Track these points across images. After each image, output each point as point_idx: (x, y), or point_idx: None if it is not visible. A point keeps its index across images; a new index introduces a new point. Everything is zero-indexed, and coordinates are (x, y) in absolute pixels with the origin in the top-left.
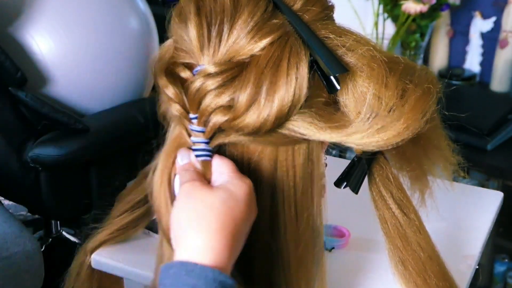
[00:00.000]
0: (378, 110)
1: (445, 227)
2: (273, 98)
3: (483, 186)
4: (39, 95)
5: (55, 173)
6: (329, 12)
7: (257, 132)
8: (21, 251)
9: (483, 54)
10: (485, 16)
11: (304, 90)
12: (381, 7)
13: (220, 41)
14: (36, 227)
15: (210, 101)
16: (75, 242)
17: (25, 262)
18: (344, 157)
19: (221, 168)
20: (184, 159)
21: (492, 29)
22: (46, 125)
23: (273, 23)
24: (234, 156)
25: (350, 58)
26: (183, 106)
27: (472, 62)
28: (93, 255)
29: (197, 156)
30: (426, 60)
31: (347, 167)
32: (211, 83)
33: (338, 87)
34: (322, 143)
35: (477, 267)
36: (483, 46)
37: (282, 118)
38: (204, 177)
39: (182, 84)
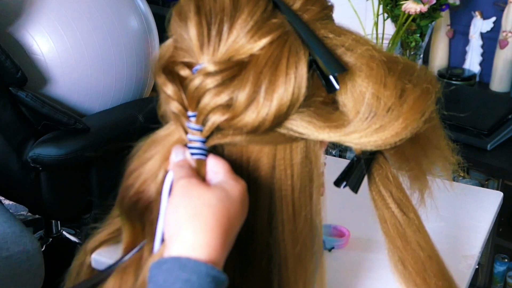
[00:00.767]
0: (376, 109)
1: (445, 227)
2: (272, 97)
3: (483, 186)
4: (40, 95)
5: (55, 173)
6: (328, 11)
7: (255, 131)
8: (21, 251)
9: (483, 54)
10: (485, 16)
11: (303, 89)
12: (381, 7)
13: (219, 40)
14: (37, 227)
15: (209, 99)
16: (75, 242)
17: (25, 262)
18: (344, 157)
19: (216, 168)
20: (179, 155)
21: (492, 29)
22: (46, 125)
23: (272, 23)
24: (232, 155)
25: (349, 58)
26: (181, 103)
27: (472, 62)
28: (93, 255)
29: (192, 154)
30: (426, 60)
31: (346, 167)
32: (211, 82)
33: (337, 87)
34: (321, 142)
35: (477, 266)
36: (483, 46)
37: (280, 117)
38: (198, 175)
39: (181, 83)
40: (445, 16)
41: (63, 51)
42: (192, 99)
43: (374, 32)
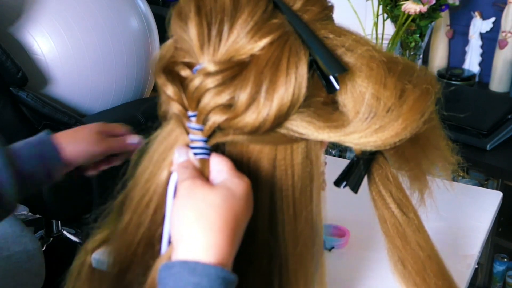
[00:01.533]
0: (376, 110)
1: (444, 227)
2: (273, 97)
3: (482, 186)
4: (40, 95)
5: None
6: (328, 12)
7: (256, 131)
8: (22, 251)
9: (483, 55)
10: (484, 17)
11: (303, 90)
12: (381, 7)
13: (220, 40)
14: (37, 226)
15: (209, 99)
16: (75, 241)
17: (26, 261)
18: (344, 157)
19: (219, 166)
20: (182, 156)
21: (492, 30)
22: (47, 125)
23: (272, 23)
24: (233, 155)
25: (349, 58)
26: (181, 104)
27: (472, 63)
28: (93, 255)
29: (195, 154)
30: (425, 60)
31: (346, 167)
32: (211, 82)
33: (337, 87)
34: (321, 142)
35: (476, 266)
36: (483, 46)
37: (281, 118)
38: (202, 175)
39: (181, 83)
40: (444, 17)
41: (64, 51)
42: (192, 99)
43: (374, 32)
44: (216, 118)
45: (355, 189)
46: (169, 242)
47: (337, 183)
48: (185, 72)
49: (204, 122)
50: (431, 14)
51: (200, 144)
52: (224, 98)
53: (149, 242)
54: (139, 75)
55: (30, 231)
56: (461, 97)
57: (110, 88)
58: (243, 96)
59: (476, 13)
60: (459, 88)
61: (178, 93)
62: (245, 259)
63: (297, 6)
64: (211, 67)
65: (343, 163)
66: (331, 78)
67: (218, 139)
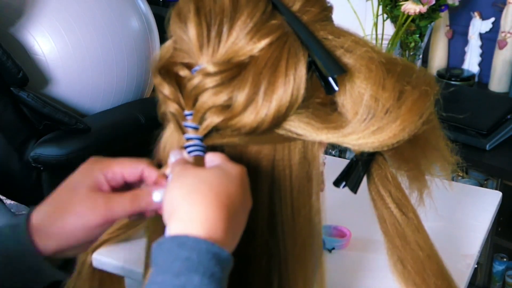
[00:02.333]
0: (375, 111)
1: (444, 227)
2: (271, 98)
3: (482, 185)
4: (41, 95)
5: (56, 173)
6: (328, 13)
7: (254, 131)
8: None
9: (482, 55)
10: (484, 17)
11: (302, 91)
12: (381, 7)
13: (219, 41)
14: None
15: (207, 98)
16: None
17: None
18: (343, 157)
19: (213, 158)
20: (176, 156)
21: (491, 30)
22: (47, 125)
23: (272, 24)
24: (231, 156)
25: (348, 59)
26: (178, 103)
27: (471, 63)
28: (94, 255)
29: (189, 152)
30: (425, 61)
31: (345, 167)
32: (210, 81)
33: (336, 88)
34: (319, 142)
35: (476, 266)
36: (482, 46)
37: (279, 118)
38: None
39: (179, 83)
40: (444, 17)
41: (64, 51)
42: (189, 98)
43: (374, 32)
44: (213, 119)
45: (354, 189)
46: None
47: (336, 183)
48: (183, 72)
49: (200, 121)
50: (431, 14)
51: (195, 142)
52: (222, 98)
53: None
54: (139, 75)
55: None
56: (460, 97)
57: (111, 88)
58: (241, 97)
59: (476, 14)
60: (459, 88)
61: (174, 92)
62: (244, 259)
63: (296, 7)
64: (211, 68)
65: (342, 163)
66: (330, 79)
67: (215, 140)
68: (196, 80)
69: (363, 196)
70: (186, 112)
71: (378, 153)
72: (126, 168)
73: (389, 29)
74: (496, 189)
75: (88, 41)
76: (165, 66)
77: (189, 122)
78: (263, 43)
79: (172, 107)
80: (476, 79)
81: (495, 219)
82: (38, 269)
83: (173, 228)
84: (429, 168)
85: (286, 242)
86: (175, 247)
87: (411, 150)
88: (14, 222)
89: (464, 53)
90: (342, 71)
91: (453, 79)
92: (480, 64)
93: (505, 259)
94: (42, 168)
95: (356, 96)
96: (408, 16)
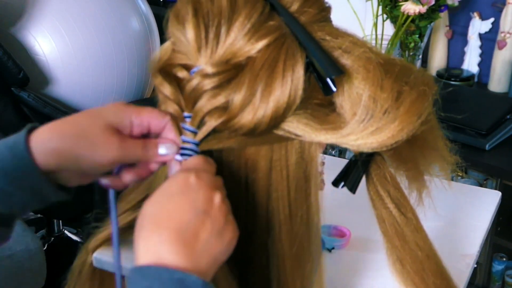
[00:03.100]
0: (373, 111)
1: (443, 226)
2: (268, 99)
3: (481, 185)
4: (41, 95)
5: None
6: (326, 13)
7: (252, 132)
8: (23, 250)
9: (482, 55)
10: (483, 17)
11: (300, 92)
12: (381, 8)
13: (217, 42)
14: (39, 226)
15: (205, 102)
16: (77, 241)
17: (27, 260)
18: (343, 157)
19: (189, 165)
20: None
21: (490, 30)
22: None
23: (269, 25)
24: (230, 157)
25: (346, 60)
26: (178, 104)
27: (471, 63)
28: (94, 254)
29: (182, 154)
30: (425, 61)
31: (344, 167)
32: (208, 83)
33: (334, 89)
34: (317, 143)
35: (475, 266)
36: (482, 47)
37: (277, 119)
38: None
39: (178, 84)
40: (443, 17)
41: (65, 51)
42: (188, 100)
43: (374, 32)
44: (211, 122)
45: (353, 189)
46: None
47: (335, 183)
48: (182, 74)
49: (198, 125)
50: (430, 14)
51: (191, 145)
52: (220, 100)
53: None
54: (139, 75)
55: (32, 230)
56: (460, 97)
57: (111, 88)
58: (238, 98)
59: (475, 14)
60: (458, 88)
61: (175, 93)
62: (244, 260)
63: (294, 7)
64: (209, 69)
65: (342, 163)
66: (328, 80)
67: (212, 146)
68: (195, 81)
69: (363, 196)
70: (186, 114)
71: (377, 154)
72: (153, 117)
73: (389, 29)
74: (495, 189)
75: (88, 41)
76: (164, 67)
77: (188, 125)
78: (261, 44)
79: (171, 108)
80: (476, 79)
81: (494, 219)
82: (40, 186)
83: (137, 258)
84: (428, 168)
85: (283, 243)
86: (139, 278)
87: (409, 150)
88: (11, 140)
89: (463, 53)
90: (340, 72)
91: (452, 79)
92: (479, 64)
93: (504, 259)
94: None
95: (354, 97)
96: (408, 16)
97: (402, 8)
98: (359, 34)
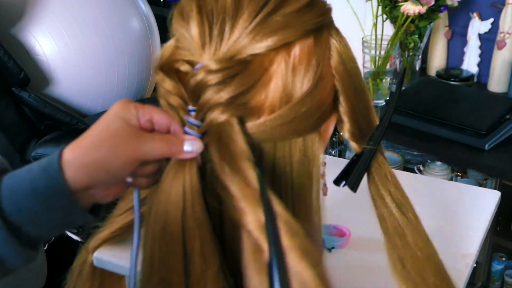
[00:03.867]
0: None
1: (443, 226)
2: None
3: (481, 185)
4: (42, 95)
5: None
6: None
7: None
8: None
9: (481, 55)
10: (483, 18)
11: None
12: (380, 8)
13: (221, 40)
14: None
15: (210, 96)
16: (77, 240)
17: None
18: (343, 157)
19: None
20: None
21: (490, 30)
22: (48, 125)
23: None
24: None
25: None
26: (181, 97)
27: (470, 63)
28: (95, 254)
29: None
30: (424, 61)
31: (345, 166)
32: (212, 78)
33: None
34: (318, 140)
35: (475, 265)
36: (481, 47)
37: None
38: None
39: (180, 79)
40: (443, 17)
41: (66, 52)
42: (193, 93)
43: (373, 33)
44: (214, 117)
45: (354, 188)
46: None
47: (336, 182)
48: (185, 68)
49: (202, 119)
50: (430, 15)
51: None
52: (224, 96)
53: None
54: (140, 75)
55: None
56: (459, 97)
57: (112, 88)
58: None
59: (475, 14)
60: (458, 88)
61: (176, 86)
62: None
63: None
64: (213, 65)
65: (343, 163)
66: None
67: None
68: (200, 76)
69: (363, 195)
70: (190, 107)
71: (378, 151)
72: (155, 114)
73: (389, 29)
74: (495, 188)
75: (89, 42)
76: (167, 64)
77: (192, 118)
78: (265, 43)
79: (173, 100)
80: (475, 79)
81: (494, 218)
82: (69, 207)
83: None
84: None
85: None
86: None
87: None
88: (45, 161)
89: (463, 53)
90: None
91: (452, 79)
92: (479, 65)
93: (504, 259)
94: None
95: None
96: (408, 16)
97: (402, 8)
98: (359, 34)
